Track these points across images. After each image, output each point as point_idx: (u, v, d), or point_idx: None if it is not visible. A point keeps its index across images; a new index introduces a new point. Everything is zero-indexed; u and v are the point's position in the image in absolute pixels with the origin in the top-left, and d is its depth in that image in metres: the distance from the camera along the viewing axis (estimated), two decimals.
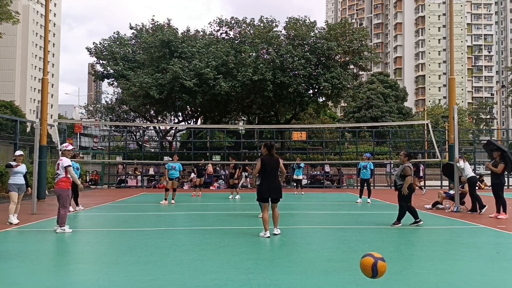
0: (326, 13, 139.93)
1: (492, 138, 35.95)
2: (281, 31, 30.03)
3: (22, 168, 9.98)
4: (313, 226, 9.61)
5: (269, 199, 8.00)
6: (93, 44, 36.31)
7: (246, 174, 24.00)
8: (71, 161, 12.57)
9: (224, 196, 19.24)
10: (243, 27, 31.10)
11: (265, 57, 28.50)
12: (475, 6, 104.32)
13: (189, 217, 11.94)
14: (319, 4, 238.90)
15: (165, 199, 15.17)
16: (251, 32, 30.24)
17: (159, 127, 36.35)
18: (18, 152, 10.20)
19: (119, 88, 35.69)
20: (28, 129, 28.69)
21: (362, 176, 15.87)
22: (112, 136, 35.91)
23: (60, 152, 9.85)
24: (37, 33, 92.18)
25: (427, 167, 26.11)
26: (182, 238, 8.26)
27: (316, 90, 30.55)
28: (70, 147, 9.42)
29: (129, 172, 27.01)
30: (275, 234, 8.04)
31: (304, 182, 24.01)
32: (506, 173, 11.91)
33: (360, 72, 33.86)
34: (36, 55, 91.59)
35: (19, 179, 9.92)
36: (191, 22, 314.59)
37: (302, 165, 20.72)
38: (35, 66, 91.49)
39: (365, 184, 15.82)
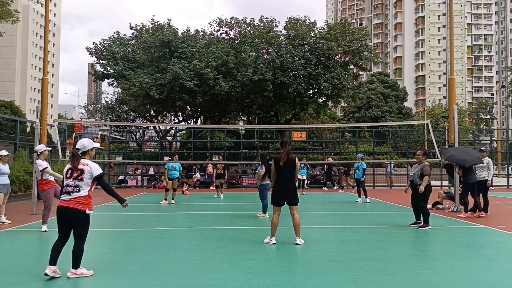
0: (326, 13, 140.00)
1: (492, 138, 35.95)
2: (281, 31, 30.01)
3: (7, 168, 10.03)
4: (313, 226, 9.62)
5: (283, 202, 7.32)
6: (93, 44, 36.34)
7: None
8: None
9: (225, 196, 19.24)
10: (243, 27, 31.08)
11: (265, 57, 28.48)
12: (475, 6, 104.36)
13: (189, 217, 11.94)
14: (321, 3, 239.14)
15: (165, 199, 15.17)
16: (251, 32, 30.22)
17: (159, 127, 36.33)
18: (4, 152, 10.05)
19: (119, 88, 35.69)
20: (28, 129, 28.67)
21: (356, 176, 16.31)
22: (112, 136, 35.89)
23: (35, 154, 9.67)
24: (37, 33, 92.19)
25: None
26: (182, 238, 8.27)
27: (316, 90, 30.53)
28: (43, 149, 9.23)
29: (129, 172, 27.03)
30: (297, 244, 7.31)
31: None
32: (495, 172, 12.30)
33: (360, 72, 33.83)
34: (36, 55, 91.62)
35: (6, 180, 9.97)
36: (193, 22, 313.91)
37: (308, 165, 20.85)
38: (35, 66, 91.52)
39: (359, 184, 16.01)
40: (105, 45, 35.49)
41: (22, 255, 6.68)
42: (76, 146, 5.47)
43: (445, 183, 23.10)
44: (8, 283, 5.05)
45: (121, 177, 26.65)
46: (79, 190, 5.25)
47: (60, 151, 18.67)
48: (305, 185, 21.05)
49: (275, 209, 7.42)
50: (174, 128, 37.19)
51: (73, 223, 5.29)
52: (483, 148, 12.75)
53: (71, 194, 5.24)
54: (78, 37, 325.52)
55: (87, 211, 5.30)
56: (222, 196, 17.79)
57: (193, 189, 23.42)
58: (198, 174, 25.47)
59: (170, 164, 15.60)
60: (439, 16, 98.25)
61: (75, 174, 5.29)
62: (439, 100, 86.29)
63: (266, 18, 30.61)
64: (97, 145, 5.74)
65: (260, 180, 11.06)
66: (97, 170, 5.35)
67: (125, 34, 37.07)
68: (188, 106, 32.72)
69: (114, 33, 36.78)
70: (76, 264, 5.30)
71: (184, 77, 26.99)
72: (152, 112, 35.77)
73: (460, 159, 11.55)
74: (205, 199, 17.65)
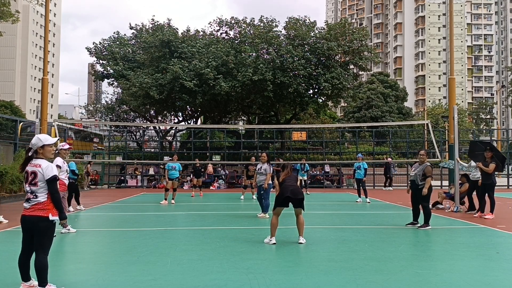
0: (326, 13, 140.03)
1: (492, 138, 35.96)
2: (281, 31, 30.00)
3: None
4: (313, 226, 9.61)
5: (287, 203, 7.45)
6: (93, 44, 36.34)
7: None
8: (71, 160, 12.56)
9: (225, 196, 19.26)
10: (243, 27, 31.08)
11: (265, 57, 28.47)
12: (475, 6, 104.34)
13: (189, 217, 11.94)
14: (324, 3, 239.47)
15: (165, 199, 15.17)
16: (251, 32, 30.22)
17: (159, 127, 36.33)
18: None
19: (119, 88, 35.69)
20: (28, 129, 28.61)
21: (356, 176, 16.26)
22: (112, 136, 35.89)
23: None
24: (37, 33, 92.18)
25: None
26: (182, 238, 8.27)
27: (316, 90, 30.53)
28: (67, 146, 8.89)
29: (129, 172, 27.03)
30: (300, 243, 7.43)
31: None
32: (496, 172, 11.81)
33: (360, 72, 33.82)
34: (36, 55, 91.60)
35: None
36: (196, 21, 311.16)
37: (307, 167, 20.62)
38: (35, 66, 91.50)
39: (360, 184, 15.98)
40: (105, 45, 35.47)
41: None
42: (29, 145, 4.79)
43: (445, 183, 23.10)
44: (8, 283, 5.05)
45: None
46: (36, 196, 4.55)
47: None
48: (307, 185, 20.78)
49: (278, 210, 7.51)
50: (174, 128, 37.18)
51: (35, 231, 4.51)
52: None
53: (30, 201, 4.56)
54: (80, 37, 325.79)
55: (51, 217, 4.52)
56: (254, 197, 16.62)
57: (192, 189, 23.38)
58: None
59: (169, 164, 15.59)
60: (439, 16, 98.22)
61: (29, 178, 4.59)
62: (439, 100, 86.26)
63: (266, 18, 30.62)
64: (51, 140, 4.80)
65: (269, 180, 11.10)
66: (49, 172, 4.56)
67: (125, 34, 37.06)
68: (188, 106, 32.72)
69: (114, 33, 36.77)
70: (42, 281, 4.46)
71: (184, 77, 26.99)
72: (152, 112, 35.77)
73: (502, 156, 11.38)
74: (205, 199, 17.64)
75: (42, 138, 4.73)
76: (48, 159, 4.77)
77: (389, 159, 24.38)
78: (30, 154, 4.71)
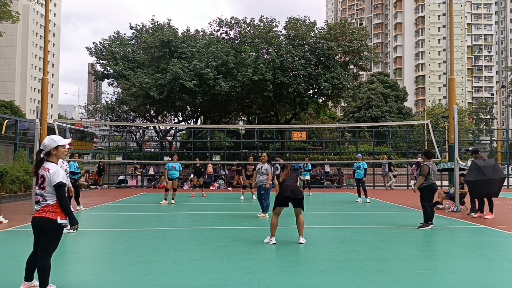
0: (326, 13, 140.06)
1: (492, 138, 35.98)
2: (281, 31, 29.99)
3: None
4: (313, 226, 9.61)
5: (287, 202, 7.47)
6: (93, 44, 36.38)
7: (393, 174, 25.34)
8: (70, 160, 12.54)
9: (225, 196, 19.26)
10: (243, 27, 31.08)
11: (265, 57, 28.45)
12: (475, 6, 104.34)
13: (189, 217, 11.94)
14: (324, 3, 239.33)
15: (165, 199, 15.17)
16: (251, 32, 30.21)
17: (159, 127, 36.32)
18: None
19: (119, 88, 35.69)
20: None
21: (356, 176, 16.23)
22: (112, 136, 35.90)
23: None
24: (37, 33, 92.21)
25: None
26: (182, 238, 8.27)
27: (316, 90, 30.51)
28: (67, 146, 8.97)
29: (130, 172, 27.03)
30: (300, 243, 7.42)
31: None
32: None
33: (360, 72, 33.81)
34: (36, 55, 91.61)
35: None
36: (198, 21, 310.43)
37: (309, 167, 20.48)
38: (35, 66, 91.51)
39: (360, 184, 15.96)
40: (105, 45, 35.47)
41: (21, 255, 6.66)
42: (40, 147, 4.75)
43: (445, 183, 23.09)
44: (8, 283, 5.05)
45: (121, 177, 26.65)
46: (45, 199, 4.56)
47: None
48: (309, 185, 20.52)
49: (278, 210, 7.52)
50: (174, 128, 37.17)
51: (42, 233, 4.54)
52: (470, 148, 12.68)
53: (40, 203, 4.59)
54: (81, 37, 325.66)
55: (59, 220, 4.54)
56: (254, 197, 16.41)
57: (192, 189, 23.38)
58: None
59: (170, 164, 15.60)
60: (439, 16, 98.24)
61: (39, 181, 4.58)
62: (439, 100, 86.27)
63: (266, 18, 30.61)
64: (65, 142, 4.76)
65: (270, 180, 11.08)
66: (55, 178, 4.50)
67: (125, 34, 37.04)
68: (188, 106, 32.70)
69: (114, 33, 36.75)
70: (43, 282, 4.49)
71: (184, 77, 26.98)
72: (152, 112, 35.76)
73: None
74: (205, 199, 17.63)
75: (55, 139, 4.70)
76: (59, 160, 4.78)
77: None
78: (41, 156, 4.66)
